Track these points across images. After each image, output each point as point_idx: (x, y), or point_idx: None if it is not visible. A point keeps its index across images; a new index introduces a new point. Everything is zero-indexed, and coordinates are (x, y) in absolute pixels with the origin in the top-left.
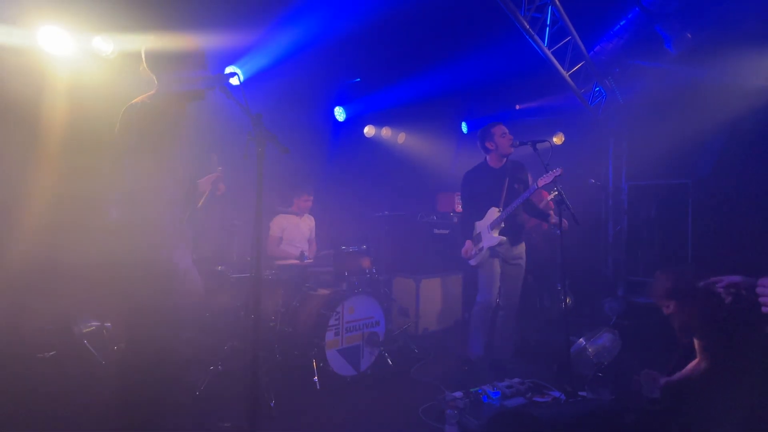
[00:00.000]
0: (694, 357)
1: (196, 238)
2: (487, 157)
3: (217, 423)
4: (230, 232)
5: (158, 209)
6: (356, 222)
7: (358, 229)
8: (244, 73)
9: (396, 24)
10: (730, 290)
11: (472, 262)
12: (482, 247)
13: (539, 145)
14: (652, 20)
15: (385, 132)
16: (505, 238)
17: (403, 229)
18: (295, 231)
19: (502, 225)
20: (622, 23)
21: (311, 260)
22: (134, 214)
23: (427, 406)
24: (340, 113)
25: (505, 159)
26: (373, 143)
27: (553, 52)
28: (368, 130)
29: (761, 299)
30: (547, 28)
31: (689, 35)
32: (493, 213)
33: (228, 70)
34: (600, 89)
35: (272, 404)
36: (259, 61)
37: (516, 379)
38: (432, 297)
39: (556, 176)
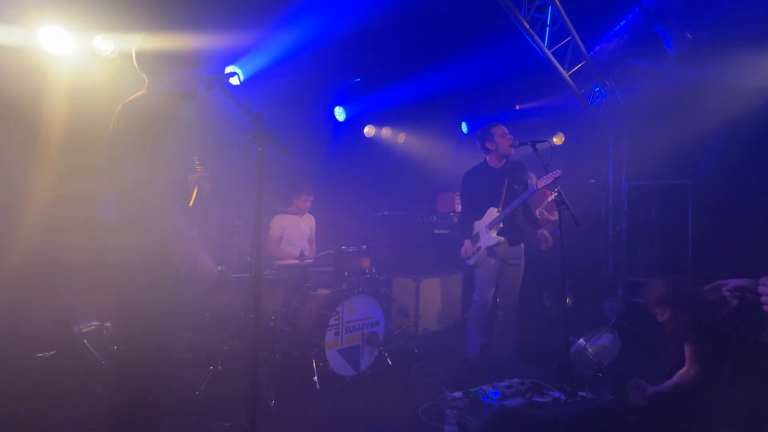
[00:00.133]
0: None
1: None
2: (487, 157)
3: (217, 422)
4: (230, 232)
5: (158, 207)
6: (356, 222)
7: (358, 229)
8: (244, 73)
9: (396, 24)
10: (735, 294)
11: (470, 262)
12: (480, 246)
13: (539, 146)
14: (652, 21)
15: (385, 132)
16: (503, 238)
17: (403, 229)
18: (296, 230)
19: (501, 225)
20: (622, 23)
21: (311, 260)
22: (134, 212)
23: (427, 406)
24: (340, 113)
25: (505, 159)
26: (373, 143)
27: (553, 52)
28: (368, 130)
29: (762, 298)
30: (547, 28)
31: (689, 36)
32: (492, 213)
33: (228, 69)
34: (600, 89)
35: (272, 404)
36: (259, 61)
37: (516, 379)
38: (432, 297)
39: (556, 177)
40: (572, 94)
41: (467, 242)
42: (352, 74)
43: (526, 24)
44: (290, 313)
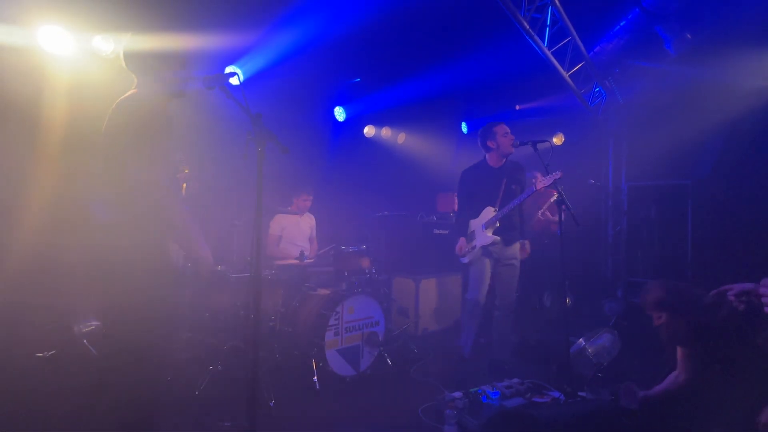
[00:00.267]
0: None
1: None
2: (487, 156)
3: (217, 422)
4: (230, 232)
5: (160, 205)
6: (356, 222)
7: (357, 229)
8: (244, 73)
9: (396, 24)
10: (741, 298)
11: (465, 260)
12: (475, 245)
13: (539, 146)
14: (652, 21)
15: (385, 132)
16: (498, 238)
17: (402, 229)
18: (295, 229)
19: (497, 225)
20: (622, 24)
21: (312, 260)
22: (135, 211)
23: (427, 406)
24: (340, 113)
25: (504, 159)
26: (373, 143)
27: (553, 53)
28: (368, 130)
29: (763, 299)
30: (547, 29)
31: (689, 36)
32: (489, 212)
33: (228, 69)
34: (600, 90)
35: (272, 404)
36: (259, 61)
37: (515, 380)
38: (431, 297)
39: (555, 179)
40: (572, 95)
41: (462, 240)
42: (352, 74)
43: (525, 24)
44: (290, 313)
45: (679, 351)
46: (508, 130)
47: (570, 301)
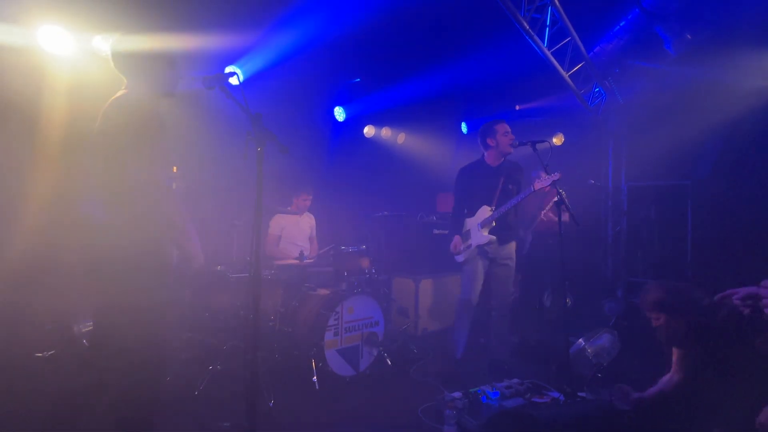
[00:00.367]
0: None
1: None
2: (485, 154)
3: (217, 422)
4: (230, 232)
5: (160, 204)
6: (356, 222)
7: (357, 229)
8: (243, 73)
9: (396, 24)
10: (747, 302)
11: (460, 259)
12: (471, 244)
13: (539, 146)
14: (652, 21)
15: (385, 132)
16: (494, 237)
17: (402, 230)
18: (295, 229)
19: (493, 224)
20: (621, 24)
21: (312, 260)
22: (134, 211)
23: (426, 406)
24: (339, 113)
25: (503, 158)
26: (372, 143)
27: (552, 53)
28: (368, 130)
29: (764, 301)
30: (547, 29)
31: (689, 36)
32: (485, 211)
33: (228, 69)
34: (600, 90)
35: (271, 404)
36: (258, 60)
37: (515, 380)
38: (431, 297)
39: (554, 180)
40: (572, 95)
41: (457, 238)
42: (351, 74)
43: (525, 24)
44: (290, 313)
45: (675, 352)
46: (509, 130)
47: (570, 301)
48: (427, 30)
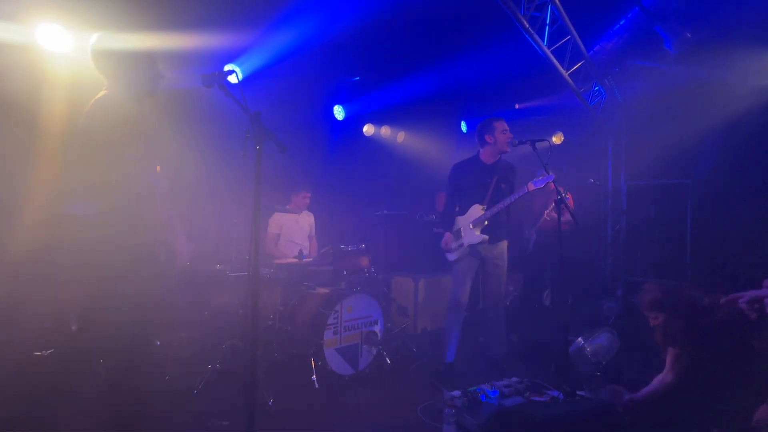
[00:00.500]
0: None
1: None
2: (481, 151)
3: (216, 421)
4: (229, 231)
5: (147, 201)
6: (355, 221)
7: (357, 228)
8: (243, 72)
9: (395, 23)
10: (753, 305)
11: (452, 257)
12: (463, 243)
13: (538, 145)
14: (652, 20)
15: (385, 131)
16: (487, 236)
17: (402, 229)
18: (294, 227)
19: (486, 223)
20: (621, 23)
21: (311, 258)
22: (120, 208)
23: (426, 405)
24: (339, 112)
25: (498, 156)
26: (372, 142)
27: (552, 51)
28: (367, 129)
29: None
30: (547, 27)
31: (689, 35)
32: (477, 210)
33: (227, 68)
34: (599, 89)
35: (270, 403)
36: (257, 59)
37: (514, 379)
38: (430, 296)
39: (548, 181)
40: (572, 94)
41: (448, 234)
42: (351, 73)
43: (525, 23)
44: (289, 312)
45: (670, 351)
46: (507, 128)
47: (569, 300)
48: (426, 28)
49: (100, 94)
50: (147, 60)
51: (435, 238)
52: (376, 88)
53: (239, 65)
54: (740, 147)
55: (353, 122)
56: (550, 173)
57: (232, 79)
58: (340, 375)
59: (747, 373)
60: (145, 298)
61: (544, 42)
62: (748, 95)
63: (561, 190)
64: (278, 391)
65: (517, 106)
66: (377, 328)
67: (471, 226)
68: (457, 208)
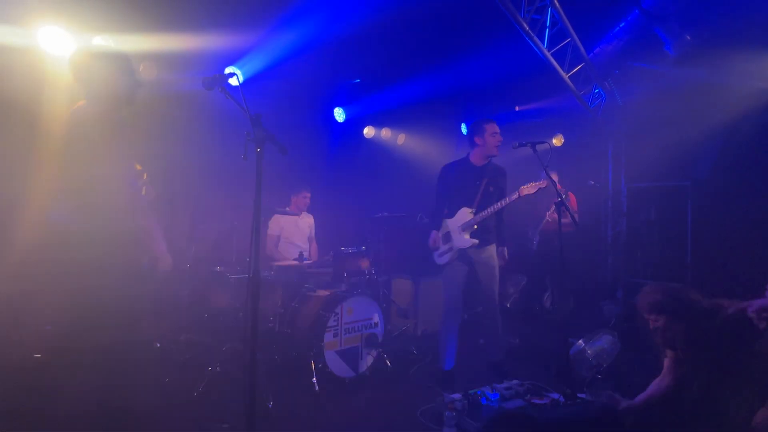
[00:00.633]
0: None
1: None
2: (471, 152)
3: (216, 424)
4: (229, 233)
5: (123, 205)
6: (355, 223)
7: (357, 230)
8: (243, 74)
9: (396, 25)
10: (763, 314)
11: (441, 261)
12: (452, 247)
13: (539, 147)
14: (652, 22)
15: (385, 133)
16: (476, 240)
17: (402, 231)
18: (294, 229)
19: (475, 227)
20: (621, 25)
21: (311, 261)
22: (98, 212)
23: (426, 407)
24: (339, 114)
25: (488, 159)
26: (372, 144)
27: (552, 54)
28: (368, 131)
29: None
30: (547, 30)
31: (688, 37)
32: (465, 214)
33: (227, 70)
34: (599, 91)
35: (270, 405)
36: (258, 61)
37: (515, 381)
38: (431, 298)
39: (540, 188)
40: (572, 96)
41: (435, 233)
42: (351, 75)
43: (525, 25)
44: (289, 314)
45: (668, 354)
46: (498, 131)
47: (569, 302)
48: (427, 31)
49: (78, 104)
50: (124, 68)
51: None
52: (376, 90)
53: (240, 68)
54: (740, 149)
55: (354, 124)
56: (542, 180)
57: (233, 81)
58: (341, 377)
59: (747, 376)
60: (130, 300)
61: (544, 44)
62: (748, 97)
63: (562, 191)
64: (278, 394)
65: (517, 108)
66: (377, 331)
67: (460, 230)
68: (446, 210)
